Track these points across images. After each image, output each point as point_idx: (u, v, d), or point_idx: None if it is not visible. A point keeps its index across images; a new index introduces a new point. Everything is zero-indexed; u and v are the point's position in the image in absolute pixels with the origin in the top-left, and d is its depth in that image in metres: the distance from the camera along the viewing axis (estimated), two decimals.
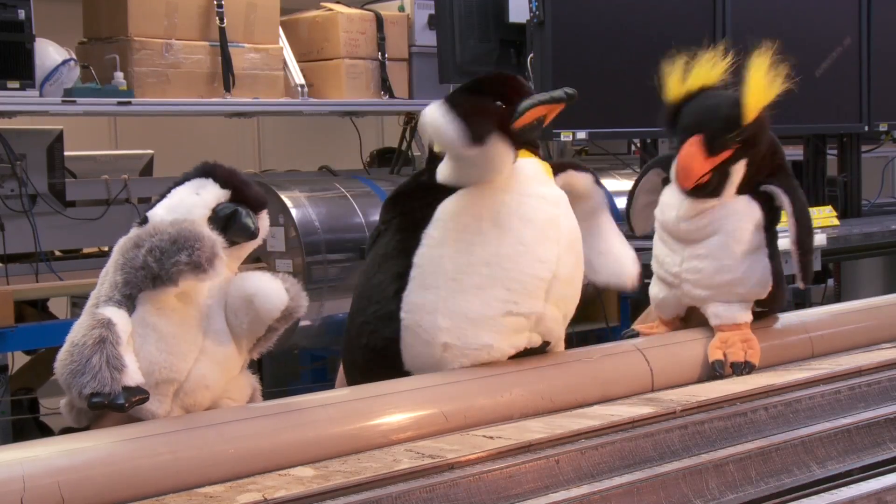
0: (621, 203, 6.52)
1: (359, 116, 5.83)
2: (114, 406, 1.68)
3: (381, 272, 2.13)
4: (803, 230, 2.37)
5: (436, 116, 1.99)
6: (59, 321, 4.50)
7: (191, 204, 1.89)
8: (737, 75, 2.40)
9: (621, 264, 2.33)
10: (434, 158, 2.20)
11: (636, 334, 2.48)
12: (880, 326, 2.67)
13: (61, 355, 1.73)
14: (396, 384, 1.98)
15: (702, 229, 2.38)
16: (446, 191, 2.12)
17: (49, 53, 4.39)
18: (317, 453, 1.76)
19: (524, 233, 2.06)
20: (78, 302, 4.86)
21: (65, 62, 4.41)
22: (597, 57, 4.07)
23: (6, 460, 1.55)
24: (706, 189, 2.36)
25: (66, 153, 4.82)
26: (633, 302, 5.65)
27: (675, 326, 2.50)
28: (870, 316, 2.64)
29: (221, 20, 4.94)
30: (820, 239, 3.81)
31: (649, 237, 2.56)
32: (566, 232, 2.13)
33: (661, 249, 2.47)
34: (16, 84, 4.21)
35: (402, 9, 5.69)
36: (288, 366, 4.94)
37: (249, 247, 1.97)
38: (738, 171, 2.37)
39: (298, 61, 5.38)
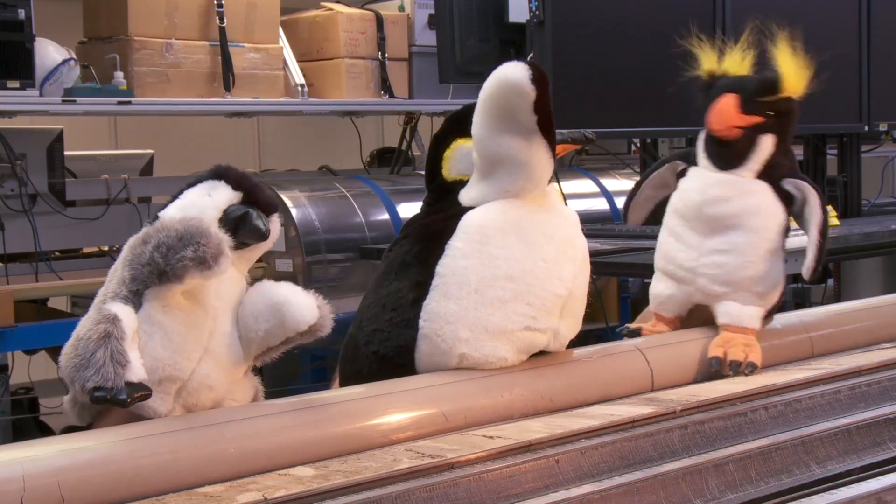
0: (621, 203, 6.51)
1: (359, 116, 5.84)
2: (115, 401, 1.68)
3: (398, 280, 2.12)
4: (825, 220, 2.40)
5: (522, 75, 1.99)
6: (58, 321, 4.51)
7: (202, 205, 1.90)
8: (762, 64, 2.44)
9: None
10: (449, 188, 2.18)
11: (637, 331, 2.46)
12: (880, 326, 2.67)
13: (66, 349, 1.74)
14: (396, 384, 1.98)
15: (729, 217, 2.36)
16: (467, 210, 2.11)
17: (49, 53, 4.40)
18: (317, 453, 1.76)
19: (546, 250, 2.07)
20: (78, 301, 4.87)
21: (65, 62, 4.43)
22: (597, 57, 4.07)
23: (6, 460, 1.55)
24: (734, 147, 2.36)
25: (66, 153, 4.83)
26: (633, 302, 5.66)
27: (675, 326, 2.49)
28: (870, 316, 2.64)
29: (221, 20, 4.95)
30: None
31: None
32: (581, 251, 2.15)
33: (671, 244, 2.44)
34: (16, 84, 4.22)
35: (402, 8, 5.70)
36: (288, 366, 4.94)
37: (260, 249, 1.98)
38: (765, 146, 2.37)
39: (298, 61, 5.39)
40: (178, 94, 4.86)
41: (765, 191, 2.38)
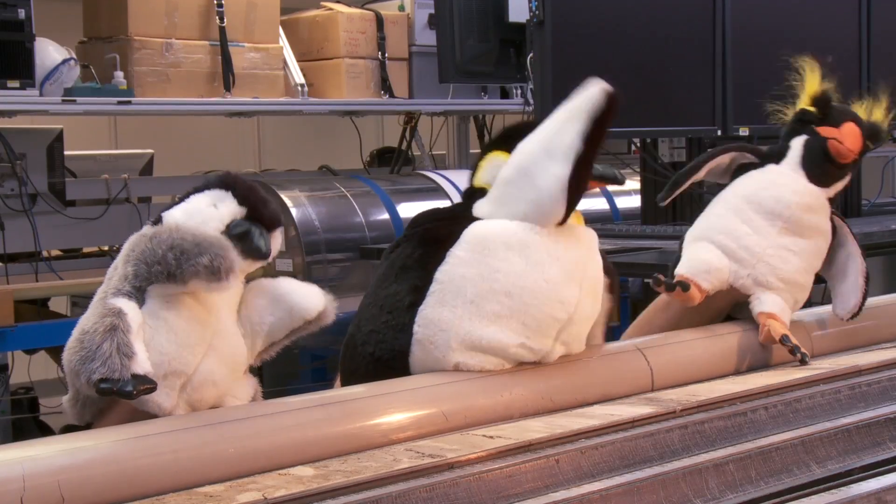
0: (621, 203, 6.51)
1: (359, 116, 5.84)
2: (121, 393, 1.68)
3: (397, 283, 2.10)
4: (865, 265, 2.53)
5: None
6: (59, 321, 4.51)
7: (207, 215, 1.91)
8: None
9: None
10: (472, 193, 2.17)
11: (686, 284, 2.38)
12: (880, 326, 2.67)
13: (70, 344, 1.74)
14: (396, 384, 1.99)
15: (811, 227, 2.46)
16: (475, 220, 2.10)
17: (49, 53, 4.40)
18: (317, 453, 1.76)
19: (551, 270, 2.02)
20: (78, 301, 4.87)
21: (65, 61, 4.42)
22: (597, 57, 4.06)
23: (6, 460, 1.55)
24: (842, 170, 2.49)
25: (66, 152, 4.83)
26: (633, 302, 5.66)
27: (702, 299, 2.47)
28: (870, 316, 2.64)
29: (221, 19, 4.95)
30: None
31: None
32: (591, 275, 2.10)
33: (736, 224, 2.46)
34: (16, 83, 4.22)
35: (402, 8, 5.70)
36: (288, 366, 4.94)
37: (258, 264, 1.99)
38: (848, 179, 2.54)
39: (298, 61, 5.39)
40: (178, 93, 4.86)
41: (831, 216, 2.52)
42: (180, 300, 1.80)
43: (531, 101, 4.66)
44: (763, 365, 2.41)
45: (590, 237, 2.14)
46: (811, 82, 2.55)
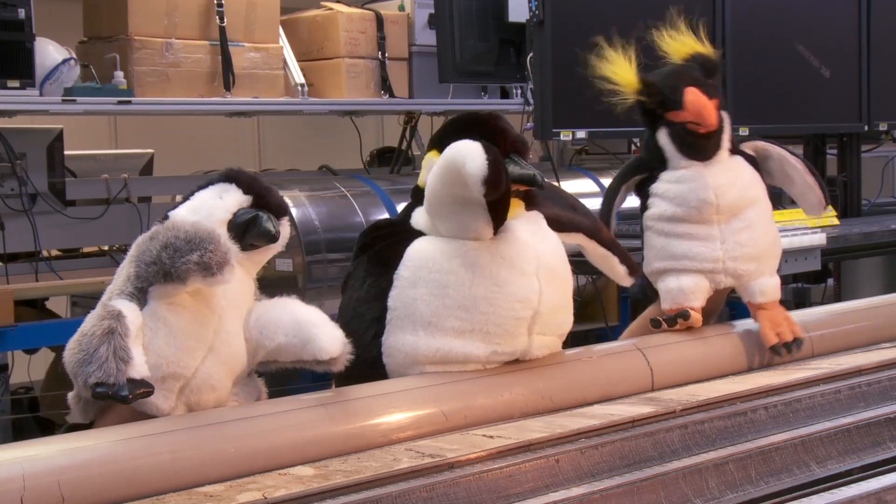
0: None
1: (359, 116, 5.83)
2: (117, 397, 1.68)
3: (355, 319, 2.07)
4: (796, 154, 2.51)
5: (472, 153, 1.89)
6: (58, 321, 4.50)
7: (213, 207, 1.92)
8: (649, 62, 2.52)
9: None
10: (418, 194, 2.11)
11: (686, 314, 2.41)
12: (880, 326, 2.67)
13: (71, 344, 1.74)
14: (396, 384, 1.99)
15: (742, 199, 2.43)
16: (418, 232, 2.07)
17: (49, 52, 4.39)
18: (317, 453, 1.76)
19: (499, 273, 1.97)
20: (78, 301, 4.87)
21: (65, 61, 4.42)
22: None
23: (6, 459, 1.55)
24: (716, 135, 2.43)
25: (66, 152, 4.82)
26: (633, 302, 5.66)
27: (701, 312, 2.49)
28: (870, 316, 2.64)
29: (221, 19, 4.94)
30: (819, 238, 3.82)
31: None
32: (546, 260, 2.04)
33: (686, 245, 2.44)
34: (16, 83, 4.22)
35: (402, 8, 5.70)
36: None
37: (269, 252, 1.99)
38: (727, 123, 2.47)
39: (298, 60, 5.38)
40: (178, 93, 4.85)
41: (743, 163, 2.48)
42: (181, 301, 1.80)
43: (531, 101, 4.66)
44: (763, 365, 2.41)
45: (533, 222, 2.08)
46: (623, 74, 2.48)
